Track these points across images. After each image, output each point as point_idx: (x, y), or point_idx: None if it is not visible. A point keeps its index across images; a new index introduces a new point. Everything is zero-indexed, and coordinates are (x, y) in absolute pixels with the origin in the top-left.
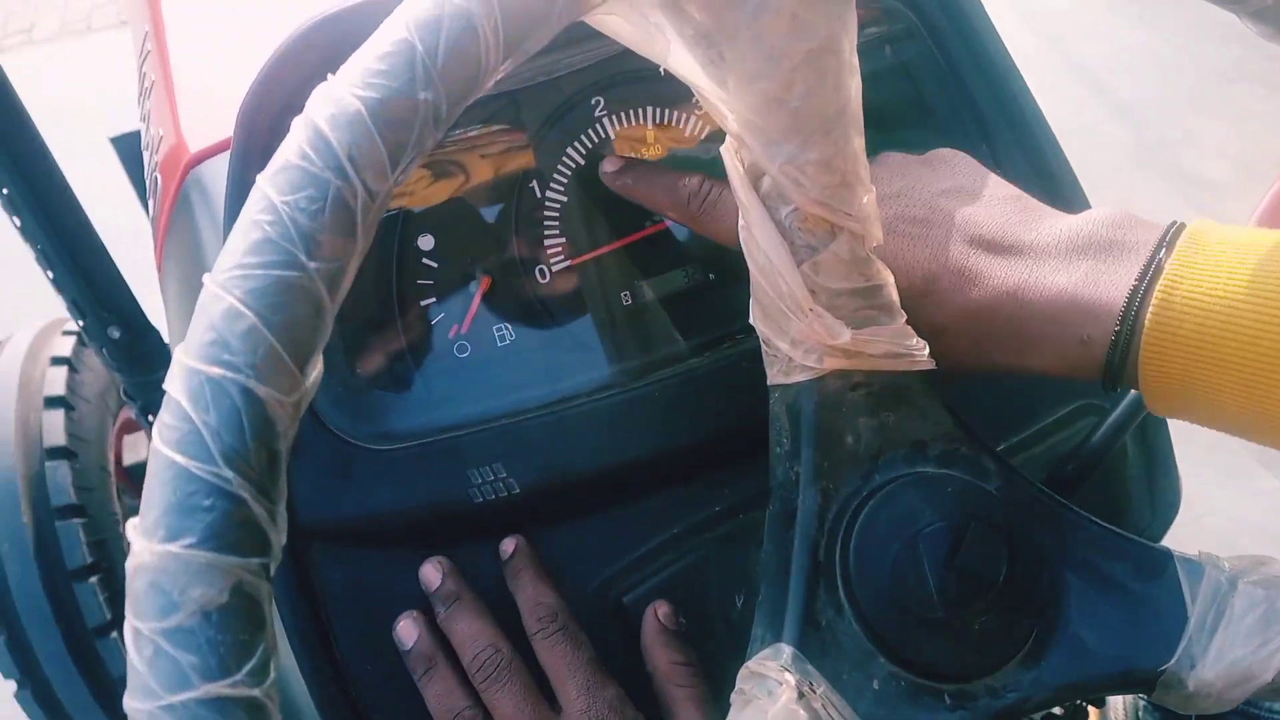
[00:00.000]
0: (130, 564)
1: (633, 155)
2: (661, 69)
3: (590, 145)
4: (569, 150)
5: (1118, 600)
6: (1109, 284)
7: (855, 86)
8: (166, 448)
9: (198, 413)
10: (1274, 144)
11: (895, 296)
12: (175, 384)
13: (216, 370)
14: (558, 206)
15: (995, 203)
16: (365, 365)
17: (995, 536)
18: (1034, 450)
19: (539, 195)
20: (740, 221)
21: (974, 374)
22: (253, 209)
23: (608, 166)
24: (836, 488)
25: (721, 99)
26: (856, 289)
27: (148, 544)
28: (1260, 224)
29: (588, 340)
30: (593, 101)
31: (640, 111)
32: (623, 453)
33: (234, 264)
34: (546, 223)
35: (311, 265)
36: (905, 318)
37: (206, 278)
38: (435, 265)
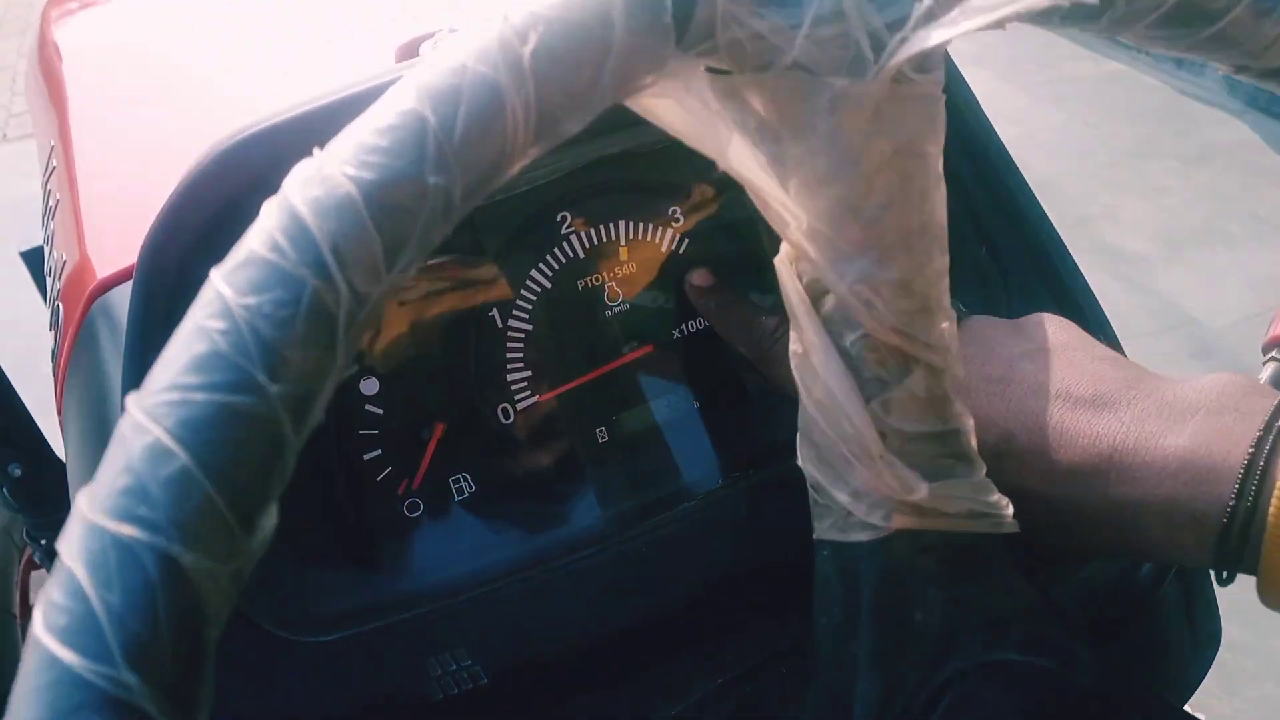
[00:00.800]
0: None
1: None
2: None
3: (558, 266)
4: (533, 273)
5: None
6: (1225, 451)
7: (941, 196)
8: (49, 636)
9: (96, 588)
10: (1190, 216)
11: (974, 444)
12: (70, 546)
13: (127, 530)
14: (522, 336)
15: (1089, 362)
16: (293, 536)
17: None
18: (1067, 584)
19: (500, 324)
20: (793, 347)
21: (1052, 556)
22: (200, 313)
23: (697, 280)
24: (902, 676)
25: (783, 204)
26: (932, 433)
27: None
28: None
29: (562, 488)
30: (559, 217)
31: (612, 227)
32: (611, 623)
33: (168, 383)
34: (510, 355)
35: (273, 389)
36: (985, 469)
37: (130, 399)
38: (381, 412)
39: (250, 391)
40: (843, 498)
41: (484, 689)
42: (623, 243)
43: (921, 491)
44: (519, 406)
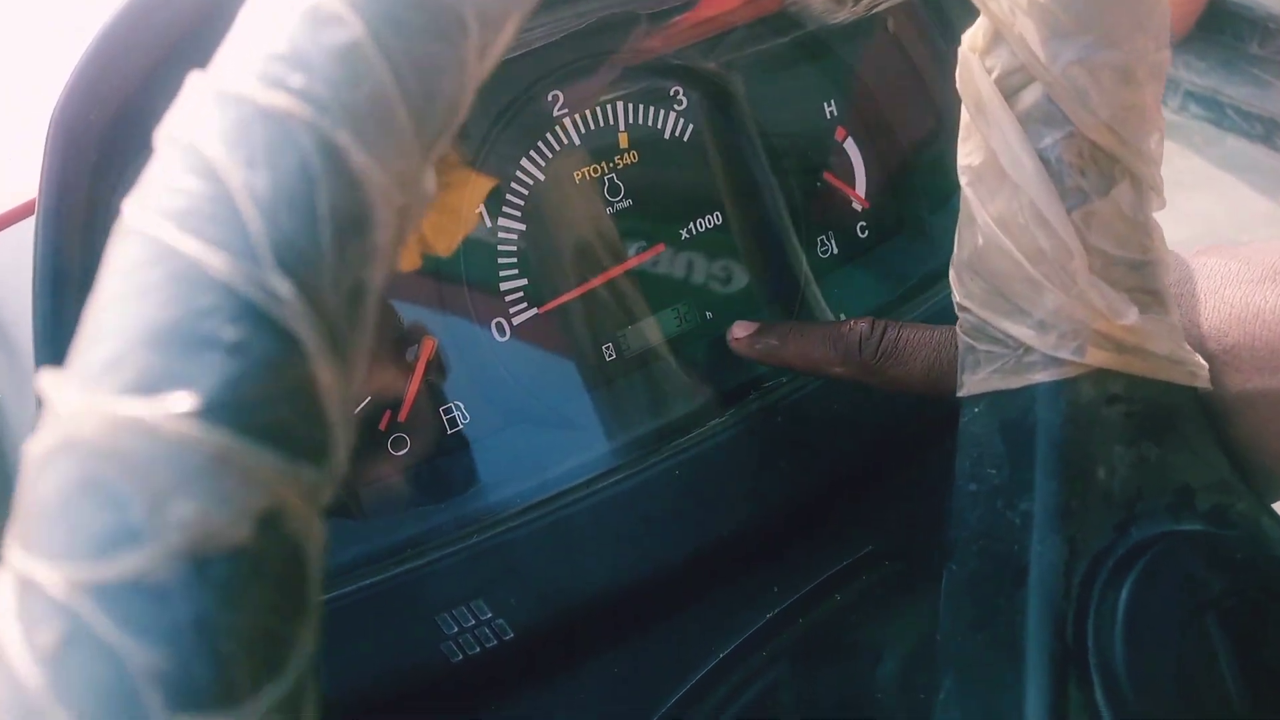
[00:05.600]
0: (35, 445)
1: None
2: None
3: (551, 154)
4: (524, 162)
5: None
6: None
7: None
8: (160, 221)
9: (236, 166)
10: None
11: (1169, 284)
12: (193, 114)
13: (281, 99)
14: (515, 237)
15: None
16: None
17: None
18: None
19: (488, 224)
20: (965, 160)
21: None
22: None
23: (738, 332)
24: (1085, 539)
25: None
26: (1133, 261)
27: (83, 396)
28: None
29: (571, 412)
30: (549, 97)
31: (610, 109)
32: (642, 563)
33: None
34: (502, 260)
35: None
36: (1179, 315)
37: None
38: None
39: None
40: (1023, 331)
41: (508, 646)
42: (622, 128)
43: (1131, 316)
44: (515, 321)
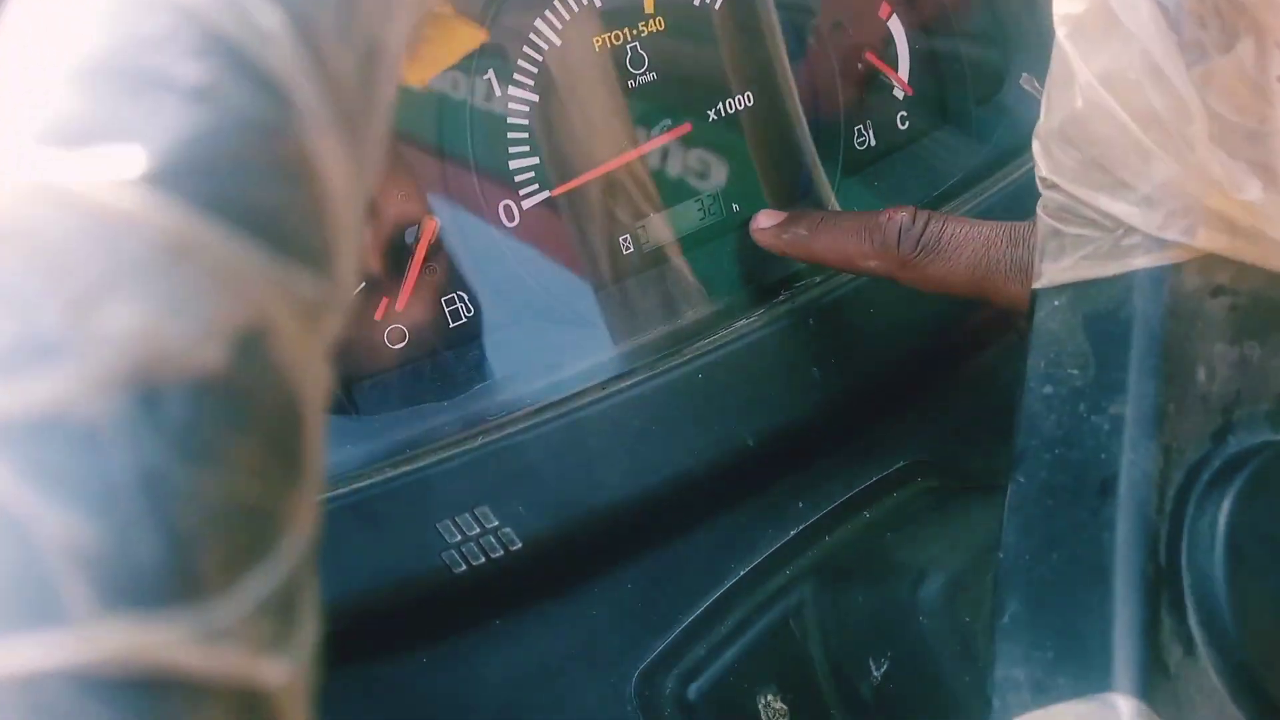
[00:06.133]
0: None
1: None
2: None
3: (568, 16)
4: (538, 23)
5: None
6: None
7: None
8: None
9: None
10: None
11: None
12: None
13: None
14: (526, 110)
15: None
16: None
17: None
18: None
19: (498, 92)
20: (1064, 9)
21: None
22: None
23: (763, 222)
24: (1181, 448)
25: None
26: (1251, 131)
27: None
28: None
29: (584, 309)
30: None
31: None
32: (661, 468)
33: None
34: (512, 136)
35: None
36: None
37: None
38: None
39: None
40: (1124, 209)
41: (516, 557)
42: None
43: (1254, 191)
44: (525, 205)
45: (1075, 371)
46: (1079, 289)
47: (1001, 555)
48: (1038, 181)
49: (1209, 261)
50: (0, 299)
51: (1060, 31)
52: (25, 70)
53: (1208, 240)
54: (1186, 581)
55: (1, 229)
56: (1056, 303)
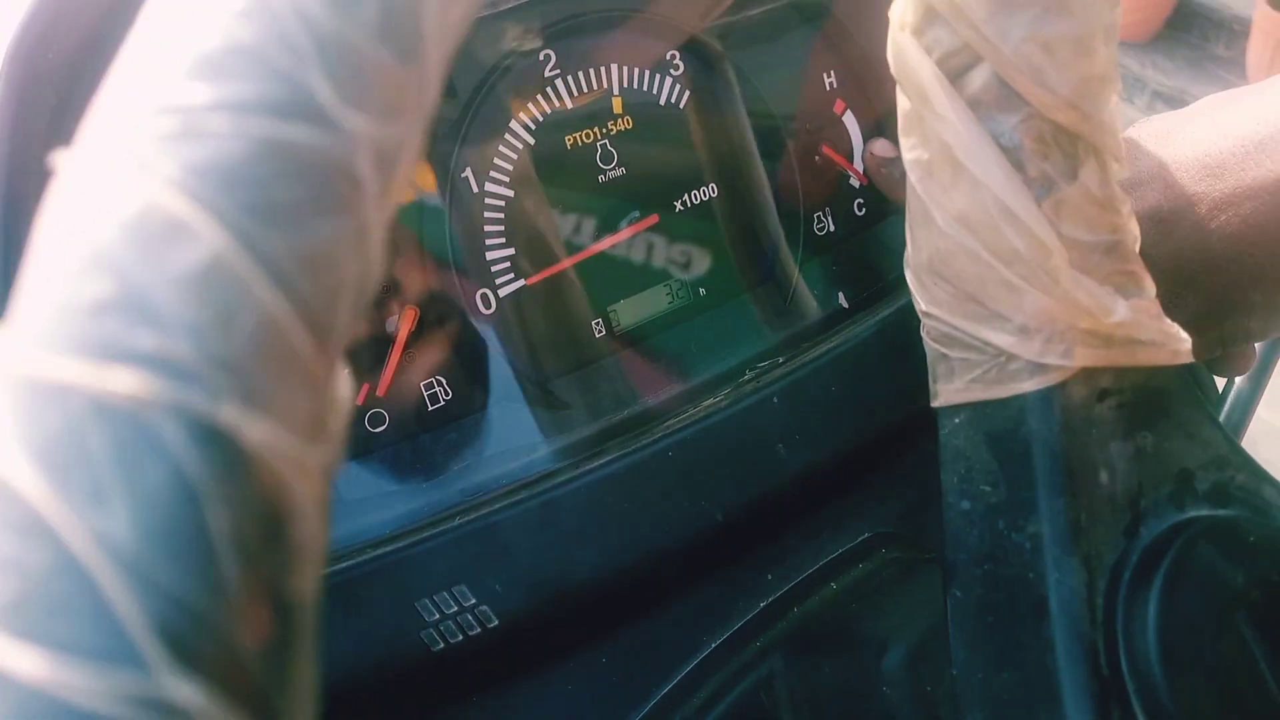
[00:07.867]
0: None
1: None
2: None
3: (542, 117)
4: (513, 125)
5: None
6: None
7: None
8: None
9: (68, 505)
10: None
11: (1139, 255)
12: None
13: (122, 381)
14: (502, 204)
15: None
16: None
17: None
18: None
19: (475, 188)
20: (912, 155)
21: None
22: None
23: (878, 150)
24: (1100, 555)
25: None
26: (1107, 244)
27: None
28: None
29: (559, 390)
30: (541, 56)
31: (603, 72)
32: (634, 545)
33: (165, 102)
34: (489, 229)
35: (348, 119)
36: (1155, 288)
37: (95, 128)
38: None
39: (311, 119)
40: (1003, 339)
41: (492, 634)
42: (616, 92)
43: (1120, 311)
44: (501, 293)
45: (988, 488)
46: (975, 408)
47: (955, 672)
48: (918, 310)
49: (1090, 370)
50: None
51: (911, 176)
52: None
53: (1086, 358)
54: (1131, 686)
55: None
56: (957, 420)
